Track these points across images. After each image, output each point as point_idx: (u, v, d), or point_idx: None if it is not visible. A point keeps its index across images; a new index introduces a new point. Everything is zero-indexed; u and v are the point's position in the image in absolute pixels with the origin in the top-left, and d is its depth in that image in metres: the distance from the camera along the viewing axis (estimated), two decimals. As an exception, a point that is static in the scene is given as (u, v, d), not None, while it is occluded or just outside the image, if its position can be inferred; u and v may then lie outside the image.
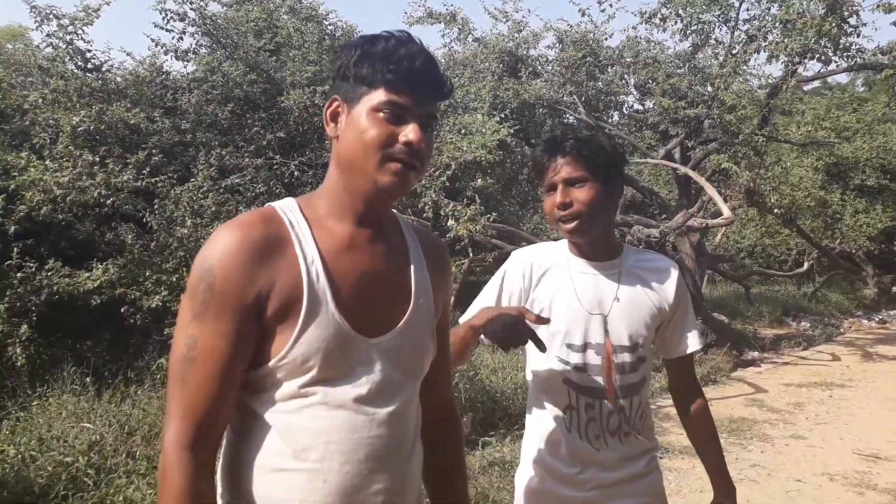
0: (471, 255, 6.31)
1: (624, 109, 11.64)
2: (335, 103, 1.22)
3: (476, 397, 5.75)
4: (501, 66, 10.27)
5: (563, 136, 1.69)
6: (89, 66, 7.90)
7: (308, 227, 1.19)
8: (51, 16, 7.37)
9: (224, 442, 1.21)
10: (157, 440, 4.39)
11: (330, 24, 10.27)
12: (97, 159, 6.36)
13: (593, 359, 1.68)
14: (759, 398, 7.50)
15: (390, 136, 1.16)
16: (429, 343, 1.30)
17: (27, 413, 4.77)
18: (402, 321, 1.24)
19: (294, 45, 9.09)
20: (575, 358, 1.69)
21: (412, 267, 1.30)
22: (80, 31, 7.53)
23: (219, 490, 1.21)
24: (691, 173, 8.55)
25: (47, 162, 6.17)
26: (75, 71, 7.71)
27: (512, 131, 8.06)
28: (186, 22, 8.61)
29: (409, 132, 1.16)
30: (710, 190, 8.23)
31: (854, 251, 15.15)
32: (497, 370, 6.46)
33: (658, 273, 1.77)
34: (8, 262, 5.69)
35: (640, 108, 11.66)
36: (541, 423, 1.76)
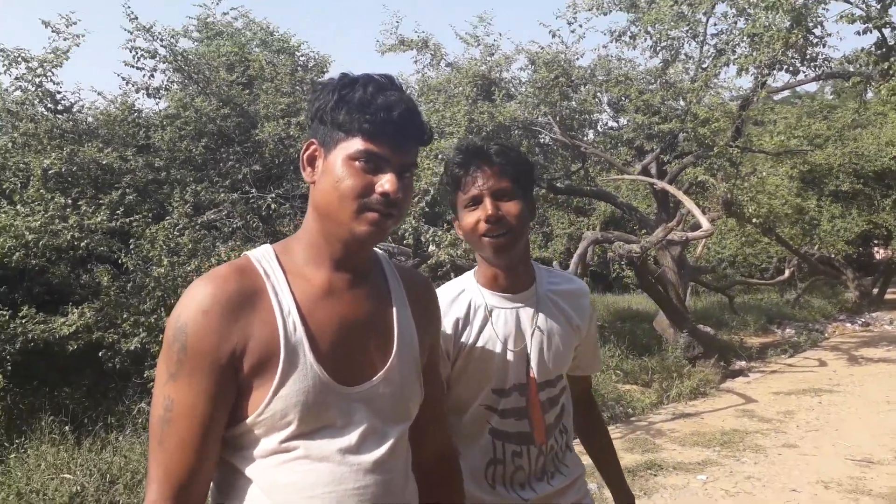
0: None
1: (598, 127, 11.72)
2: (312, 147, 1.18)
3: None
4: (475, 89, 10.31)
5: (485, 144, 1.56)
6: (59, 107, 7.85)
7: (284, 276, 1.15)
8: (19, 59, 7.31)
9: (209, 502, 1.16)
10: (140, 488, 4.27)
11: (302, 56, 10.31)
12: (69, 201, 6.28)
13: (518, 401, 1.56)
14: (750, 408, 7.48)
15: (367, 186, 1.12)
16: (415, 387, 1.25)
17: (5, 466, 4.62)
18: (385, 367, 1.19)
19: (267, 78, 9.08)
20: (502, 404, 1.56)
21: (394, 310, 1.25)
22: (49, 74, 7.47)
23: None
24: (668, 187, 8.60)
25: (18, 206, 6.07)
26: (45, 113, 7.65)
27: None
28: (157, 59, 8.58)
29: (386, 183, 1.12)
30: (688, 203, 8.28)
31: (833, 256, 15.32)
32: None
33: (571, 296, 1.67)
34: (-20, 312, 5.56)
35: (615, 124, 11.76)
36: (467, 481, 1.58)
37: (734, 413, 7.30)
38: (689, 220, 10.79)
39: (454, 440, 1.52)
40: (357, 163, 1.12)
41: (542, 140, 11.05)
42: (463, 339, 1.55)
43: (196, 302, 1.08)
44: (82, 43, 7.50)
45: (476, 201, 1.53)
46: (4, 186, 6.52)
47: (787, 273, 16.63)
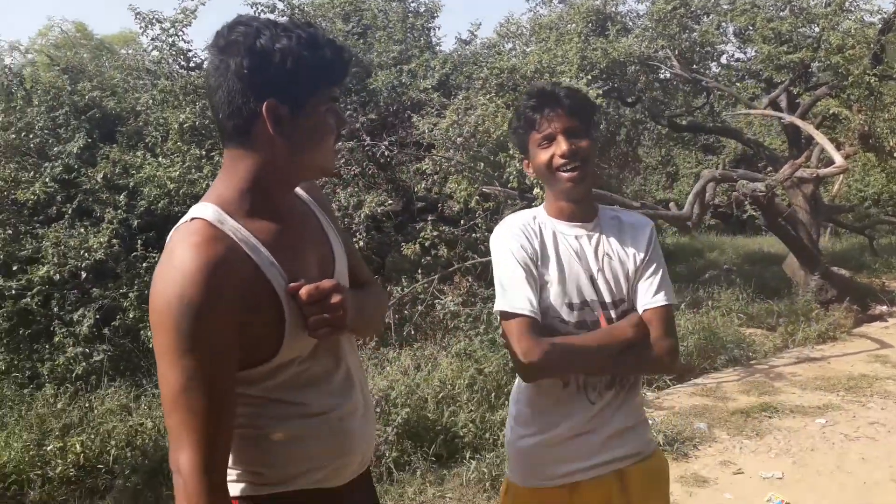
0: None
1: (723, 60, 11.09)
2: (275, 106, 1.21)
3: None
4: (588, 25, 10.02)
5: (554, 88, 1.74)
6: (191, 64, 8.38)
7: (247, 231, 1.23)
8: (153, 20, 7.86)
9: (236, 448, 1.28)
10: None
11: (413, 2, 10.35)
12: (203, 153, 6.79)
13: (589, 315, 1.71)
14: (883, 354, 7.05)
15: (338, 128, 1.33)
16: (347, 278, 1.46)
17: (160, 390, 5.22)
18: (334, 274, 1.39)
19: (380, 26, 9.26)
20: (574, 317, 1.70)
21: (322, 223, 1.44)
22: (180, 33, 7.99)
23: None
24: (797, 121, 8.08)
25: (160, 158, 6.65)
26: (179, 70, 8.20)
27: (602, 92, 7.88)
28: (276, 13, 8.94)
29: (342, 125, 1.35)
30: (820, 137, 7.76)
31: None
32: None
33: (633, 228, 1.80)
34: (134, 253, 6.22)
35: (741, 56, 11.08)
36: (534, 385, 1.74)
37: (865, 358, 6.92)
38: (824, 157, 10.09)
39: None
40: (329, 111, 1.28)
41: (661, 75, 10.62)
42: (540, 252, 1.72)
43: (192, 273, 1.13)
44: (208, 1, 7.95)
45: (549, 139, 1.70)
46: (148, 140, 7.14)
47: (939, 212, 15.17)
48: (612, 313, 1.73)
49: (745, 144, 11.74)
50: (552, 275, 1.71)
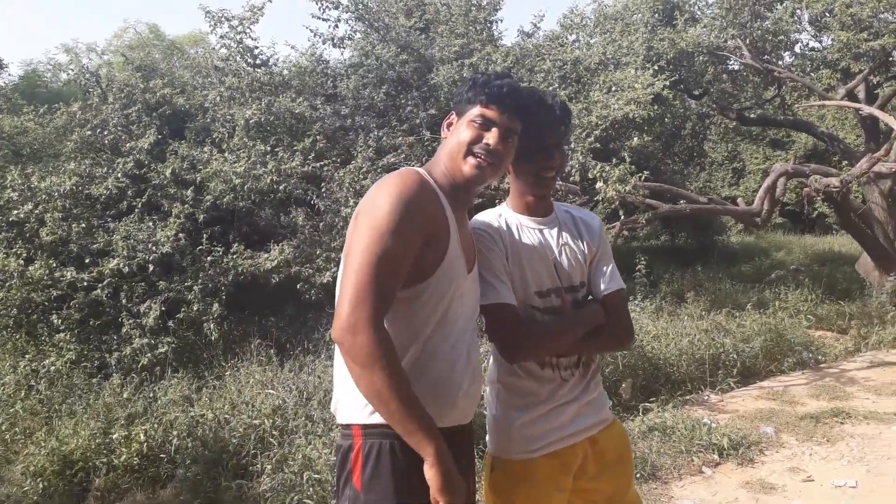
0: (622, 217, 6.09)
1: (797, 49, 10.63)
2: (452, 116, 1.78)
3: (637, 363, 5.62)
4: (655, 15, 9.76)
5: (551, 102, 1.93)
6: (258, 62, 8.54)
7: (439, 188, 1.67)
8: (222, 18, 8.05)
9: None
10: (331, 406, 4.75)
11: (475, -5, 10.27)
12: (268, 148, 6.91)
13: (555, 301, 1.93)
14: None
15: (477, 138, 1.67)
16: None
17: (221, 382, 5.34)
18: (474, 266, 1.79)
19: (442, 21, 9.23)
20: (543, 303, 1.93)
21: (469, 231, 1.83)
22: (247, 31, 8.16)
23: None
24: (877, 112, 7.68)
25: (226, 154, 6.80)
26: (246, 67, 8.37)
27: (668, 83, 7.67)
28: (341, 9, 9.02)
29: (490, 137, 1.66)
30: (902, 130, 7.36)
31: None
32: (659, 336, 6.26)
33: (584, 222, 2.05)
34: (199, 247, 6.38)
35: (817, 45, 10.60)
36: (515, 366, 1.93)
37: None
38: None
39: None
40: (474, 122, 1.68)
41: (730, 66, 10.28)
42: (510, 246, 1.93)
43: (410, 187, 1.56)
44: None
45: (546, 150, 1.91)
46: (215, 136, 7.31)
47: None
48: (572, 297, 1.96)
49: (818, 138, 11.26)
50: (521, 266, 1.92)
